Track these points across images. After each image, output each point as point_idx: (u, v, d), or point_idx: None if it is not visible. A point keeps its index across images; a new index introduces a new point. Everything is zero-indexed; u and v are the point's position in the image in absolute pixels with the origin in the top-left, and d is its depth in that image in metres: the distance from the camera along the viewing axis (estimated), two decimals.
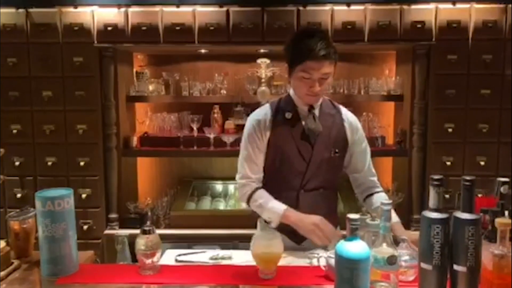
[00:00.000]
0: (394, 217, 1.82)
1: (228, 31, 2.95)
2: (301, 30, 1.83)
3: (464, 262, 1.21)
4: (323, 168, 1.88)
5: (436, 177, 1.25)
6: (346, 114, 1.97)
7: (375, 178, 1.99)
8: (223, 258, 1.80)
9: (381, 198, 1.89)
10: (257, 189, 1.90)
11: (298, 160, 1.87)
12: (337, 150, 1.89)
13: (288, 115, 1.88)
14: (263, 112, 1.92)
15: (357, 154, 1.96)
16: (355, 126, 1.95)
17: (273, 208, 1.82)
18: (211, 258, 1.80)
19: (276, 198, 1.87)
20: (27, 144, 3.05)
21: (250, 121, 1.92)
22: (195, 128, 3.17)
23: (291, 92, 1.92)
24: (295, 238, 1.86)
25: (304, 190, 1.88)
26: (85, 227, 3.05)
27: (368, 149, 2.00)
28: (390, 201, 1.32)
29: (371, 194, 1.96)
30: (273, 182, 1.91)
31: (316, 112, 1.89)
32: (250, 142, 1.89)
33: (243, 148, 1.92)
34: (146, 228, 1.54)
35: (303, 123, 1.88)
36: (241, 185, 1.93)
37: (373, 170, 2.00)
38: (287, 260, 1.71)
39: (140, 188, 3.54)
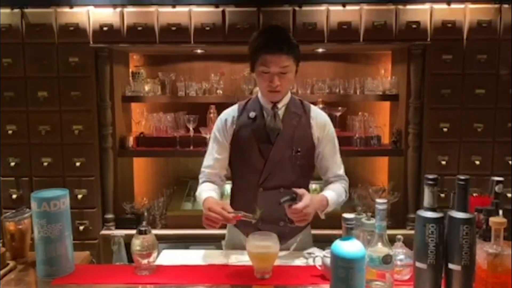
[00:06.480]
0: (329, 194, 1.89)
1: (224, 31, 2.95)
2: (260, 29, 1.91)
3: (458, 261, 1.22)
4: (283, 167, 1.89)
5: (430, 176, 1.26)
6: (316, 114, 1.97)
7: (341, 172, 2.01)
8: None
9: (335, 188, 1.95)
10: (204, 182, 1.98)
11: (256, 157, 1.90)
12: (299, 149, 1.90)
13: (252, 114, 1.93)
14: (230, 111, 2.00)
15: (324, 152, 1.97)
16: (322, 126, 1.95)
17: (200, 195, 1.88)
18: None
19: (239, 196, 1.97)
20: (23, 145, 3.04)
21: (218, 120, 2.01)
22: (191, 128, 3.16)
23: (259, 93, 1.96)
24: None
25: (263, 188, 1.90)
26: (81, 227, 3.04)
27: (337, 148, 2.00)
28: (385, 200, 1.32)
29: (331, 182, 2.01)
30: (237, 180, 2.01)
31: (281, 111, 1.92)
32: (213, 139, 1.99)
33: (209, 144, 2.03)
34: (142, 229, 1.54)
35: (266, 122, 1.91)
36: (200, 177, 2.02)
37: (339, 171, 2.00)
38: (283, 259, 1.72)
39: (136, 188, 3.53)
